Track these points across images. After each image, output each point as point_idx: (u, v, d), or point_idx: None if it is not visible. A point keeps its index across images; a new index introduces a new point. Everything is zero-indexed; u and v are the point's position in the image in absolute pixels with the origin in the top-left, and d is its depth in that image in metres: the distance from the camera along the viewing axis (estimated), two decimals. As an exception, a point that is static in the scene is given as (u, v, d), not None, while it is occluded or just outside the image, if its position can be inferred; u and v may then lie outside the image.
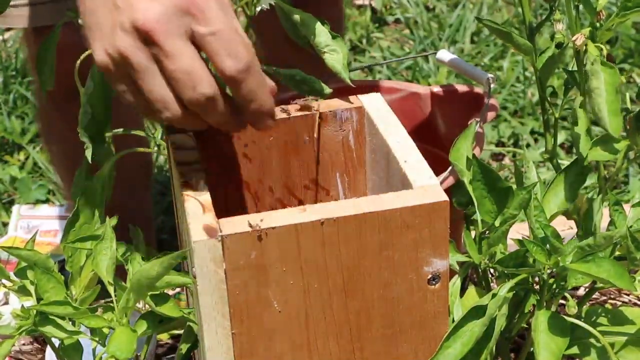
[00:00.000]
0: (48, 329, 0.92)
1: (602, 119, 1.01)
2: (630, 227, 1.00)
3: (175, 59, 0.79)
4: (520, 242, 1.01)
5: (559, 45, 1.08)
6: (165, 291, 0.93)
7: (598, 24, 1.04)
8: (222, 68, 0.81)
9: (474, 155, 1.05)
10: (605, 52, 1.02)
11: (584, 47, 1.03)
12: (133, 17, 0.79)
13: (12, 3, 1.17)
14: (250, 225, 0.83)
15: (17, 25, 1.54)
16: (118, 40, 0.80)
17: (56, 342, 0.98)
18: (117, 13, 0.80)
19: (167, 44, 0.79)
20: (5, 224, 2.15)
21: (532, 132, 2.38)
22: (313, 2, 1.29)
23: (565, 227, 1.59)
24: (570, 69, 1.11)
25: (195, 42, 0.81)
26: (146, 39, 0.80)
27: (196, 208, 0.86)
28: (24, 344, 1.47)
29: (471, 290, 1.10)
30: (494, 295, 0.94)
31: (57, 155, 1.79)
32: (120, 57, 0.81)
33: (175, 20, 0.79)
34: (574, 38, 1.03)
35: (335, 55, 1.02)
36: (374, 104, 1.01)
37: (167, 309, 0.93)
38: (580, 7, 1.05)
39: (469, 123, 1.16)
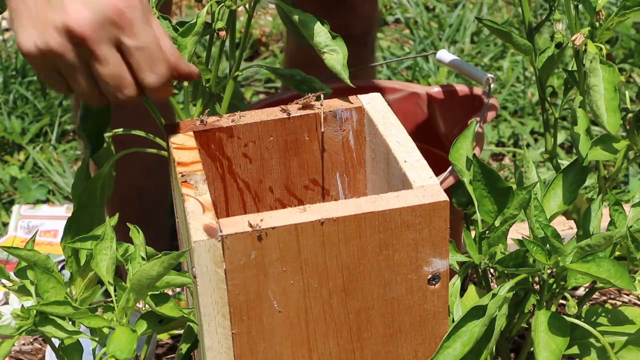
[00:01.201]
0: (48, 329, 0.92)
1: (600, 116, 1.01)
2: (630, 227, 1.00)
3: (106, 64, 0.89)
4: (520, 242, 1.01)
5: (558, 45, 1.08)
6: (165, 291, 0.93)
7: (597, 24, 1.04)
8: (143, 81, 0.91)
9: (474, 155, 1.05)
10: (604, 51, 1.02)
11: (584, 47, 1.03)
12: (66, 20, 0.87)
13: None
14: (250, 225, 0.83)
15: None
16: (50, 38, 0.88)
17: (56, 342, 0.98)
18: (50, 10, 0.87)
19: (99, 50, 0.88)
20: (5, 224, 2.15)
21: (532, 132, 2.38)
22: None
23: (565, 227, 1.60)
24: (570, 69, 1.11)
25: (121, 51, 0.90)
26: (78, 42, 0.88)
27: (196, 208, 0.86)
28: (24, 344, 1.47)
29: (471, 290, 1.11)
30: (494, 295, 0.94)
31: None
32: (50, 53, 0.88)
33: (105, 28, 0.88)
34: (573, 38, 1.03)
35: (335, 55, 1.02)
36: (374, 104, 1.00)
37: (167, 309, 0.93)
38: (580, 7, 1.05)
39: (468, 123, 1.16)
